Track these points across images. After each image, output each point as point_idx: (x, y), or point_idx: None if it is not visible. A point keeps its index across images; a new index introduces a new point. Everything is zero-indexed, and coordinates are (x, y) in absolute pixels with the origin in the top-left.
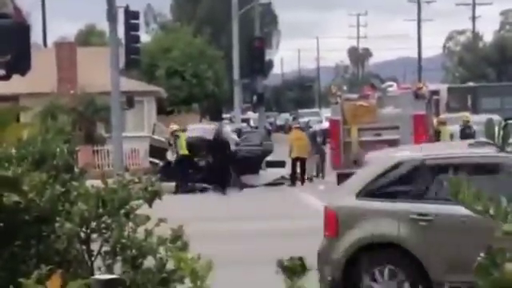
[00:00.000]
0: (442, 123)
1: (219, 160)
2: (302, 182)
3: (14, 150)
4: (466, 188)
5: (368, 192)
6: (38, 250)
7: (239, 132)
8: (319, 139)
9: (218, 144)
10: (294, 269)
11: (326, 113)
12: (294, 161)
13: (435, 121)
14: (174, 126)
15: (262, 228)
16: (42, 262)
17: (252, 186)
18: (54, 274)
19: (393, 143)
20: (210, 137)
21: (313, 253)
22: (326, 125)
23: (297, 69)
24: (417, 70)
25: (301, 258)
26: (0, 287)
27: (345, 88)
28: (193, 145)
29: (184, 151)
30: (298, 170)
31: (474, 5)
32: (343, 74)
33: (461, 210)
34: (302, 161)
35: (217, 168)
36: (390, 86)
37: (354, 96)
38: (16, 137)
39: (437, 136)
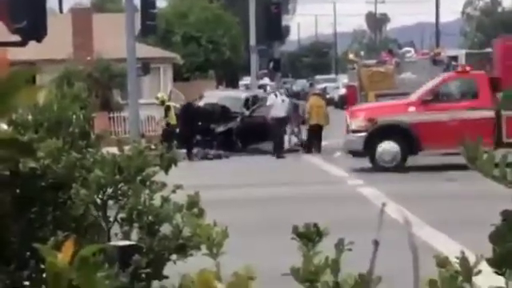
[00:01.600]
0: None
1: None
2: (319, 149)
3: (30, 116)
4: (483, 153)
5: None
6: (55, 216)
7: (255, 99)
8: None
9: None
10: (309, 235)
11: (343, 79)
12: (312, 128)
13: None
14: (164, 96)
15: (277, 194)
16: (59, 228)
17: (267, 153)
18: (68, 239)
19: None
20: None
21: (328, 219)
22: (343, 91)
23: (313, 34)
24: (435, 35)
25: (316, 225)
26: (17, 253)
27: (362, 54)
28: (210, 111)
29: (174, 121)
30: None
31: None
32: (360, 40)
33: None
34: (320, 128)
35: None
36: (408, 51)
37: (372, 62)
38: (30, 101)
39: None
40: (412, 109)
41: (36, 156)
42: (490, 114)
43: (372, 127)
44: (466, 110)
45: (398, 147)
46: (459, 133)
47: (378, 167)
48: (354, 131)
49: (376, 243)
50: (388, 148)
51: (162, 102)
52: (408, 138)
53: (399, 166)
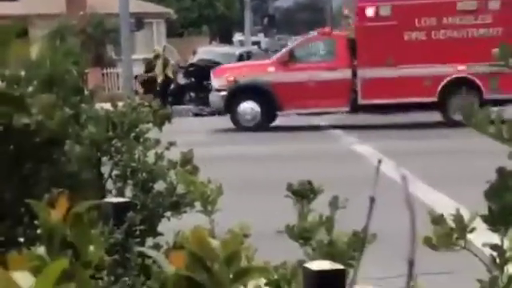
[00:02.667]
0: None
1: None
2: None
3: (22, 72)
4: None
5: None
6: (49, 172)
7: (249, 55)
8: None
9: None
10: (303, 193)
11: None
12: None
13: None
14: (160, 50)
15: (273, 151)
16: (53, 185)
17: None
18: (61, 195)
19: None
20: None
21: (323, 176)
22: None
23: None
24: None
25: (310, 182)
26: (11, 210)
27: None
28: (203, 67)
29: (171, 75)
30: None
31: None
32: None
33: None
34: None
35: None
36: None
37: None
38: (20, 56)
39: None
40: (271, 69)
41: (29, 111)
42: (347, 75)
43: (232, 87)
44: (324, 71)
45: (258, 107)
46: (317, 94)
47: (239, 127)
48: (217, 90)
49: (372, 200)
50: (248, 107)
51: (157, 56)
52: (267, 97)
53: (260, 126)
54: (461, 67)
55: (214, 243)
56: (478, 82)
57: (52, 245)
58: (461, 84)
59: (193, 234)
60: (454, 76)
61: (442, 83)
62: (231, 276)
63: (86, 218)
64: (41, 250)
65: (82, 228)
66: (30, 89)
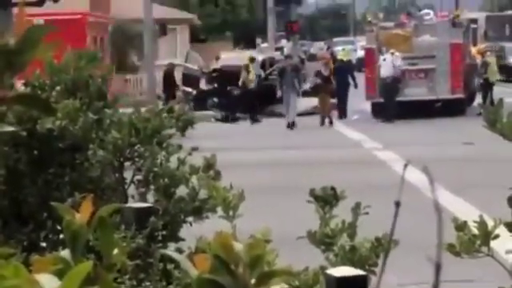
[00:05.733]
0: (486, 53)
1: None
2: (340, 113)
3: (47, 78)
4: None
5: None
6: (72, 177)
7: (272, 61)
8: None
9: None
10: (326, 198)
11: (361, 41)
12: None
13: (474, 50)
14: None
15: (294, 157)
16: (76, 189)
17: (283, 115)
18: (86, 199)
19: (429, 72)
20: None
21: (346, 182)
22: (360, 53)
23: None
24: None
25: (333, 188)
26: (34, 214)
27: (381, 16)
28: (225, 73)
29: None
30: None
31: None
32: (379, 2)
33: None
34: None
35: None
36: (427, 14)
37: (390, 24)
38: (46, 57)
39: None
40: None
41: (56, 114)
42: None
43: None
44: None
45: None
46: None
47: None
48: None
49: (397, 204)
50: None
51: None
52: None
53: None
54: None
55: (238, 247)
56: None
57: (76, 248)
58: None
59: (217, 237)
60: None
61: None
62: (254, 279)
63: (109, 223)
64: (65, 253)
65: (105, 232)
66: (54, 94)
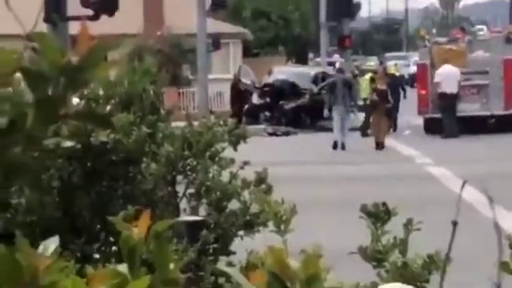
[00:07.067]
0: None
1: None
2: (394, 127)
3: (101, 91)
4: None
5: None
6: (125, 190)
7: (324, 76)
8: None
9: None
10: (378, 214)
11: (414, 56)
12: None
13: None
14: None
15: (347, 172)
16: (129, 202)
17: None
18: (143, 212)
19: (482, 88)
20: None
21: (397, 198)
22: (413, 69)
23: (385, 11)
24: (508, 12)
25: (385, 204)
26: (87, 226)
27: (434, 31)
28: (278, 88)
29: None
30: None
31: None
32: (432, 17)
33: None
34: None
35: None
36: (481, 29)
37: (444, 40)
38: (105, 75)
39: None
40: None
41: (114, 128)
42: None
43: None
44: None
45: None
46: None
47: None
48: None
49: (454, 224)
50: None
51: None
52: None
53: None
54: None
55: (294, 264)
56: None
57: (133, 262)
58: None
59: (272, 254)
60: None
61: None
62: None
63: (165, 237)
64: (122, 267)
65: (161, 247)
66: (109, 107)
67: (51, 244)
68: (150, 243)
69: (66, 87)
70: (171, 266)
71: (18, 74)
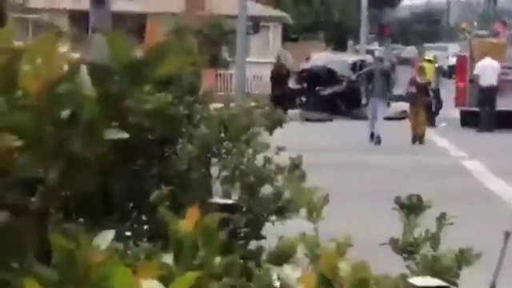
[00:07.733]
0: None
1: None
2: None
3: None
4: None
5: None
6: (159, 170)
7: (363, 63)
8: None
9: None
10: (411, 207)
11: (454, 48)
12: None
13: None
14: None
15: (381, 162)
16: (163, 182)
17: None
18: (193, 206)
19: None
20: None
21: (430, 190)
22: (452, 60)
23: (426, 1)
24: None
25: (419, 197)
26: (120, 204)
27: (475, 24)
28: (316, 73)
29: None
30: None
31: None
32: (474, 9)
33: None
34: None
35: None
36: None
37: (485, 33)
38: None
39: None
40: None
41: (172, 120)
42: None
43: None
44: None
45: None
46: None
47: None
48: None
49: (507, 235)
50: None
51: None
52: None
53: None
54: None
55: (345, 268)
56: None
57: (180, 255)
58: None
59: (325, 258)
60: None
61: None
62: None
63: (215, 232)
64: (168, 258)
65: (210, 241)
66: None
67: (106, 237)
68: (198, 237)
69: (130, 83)
70: (217, 260)
71: (83, 67)
